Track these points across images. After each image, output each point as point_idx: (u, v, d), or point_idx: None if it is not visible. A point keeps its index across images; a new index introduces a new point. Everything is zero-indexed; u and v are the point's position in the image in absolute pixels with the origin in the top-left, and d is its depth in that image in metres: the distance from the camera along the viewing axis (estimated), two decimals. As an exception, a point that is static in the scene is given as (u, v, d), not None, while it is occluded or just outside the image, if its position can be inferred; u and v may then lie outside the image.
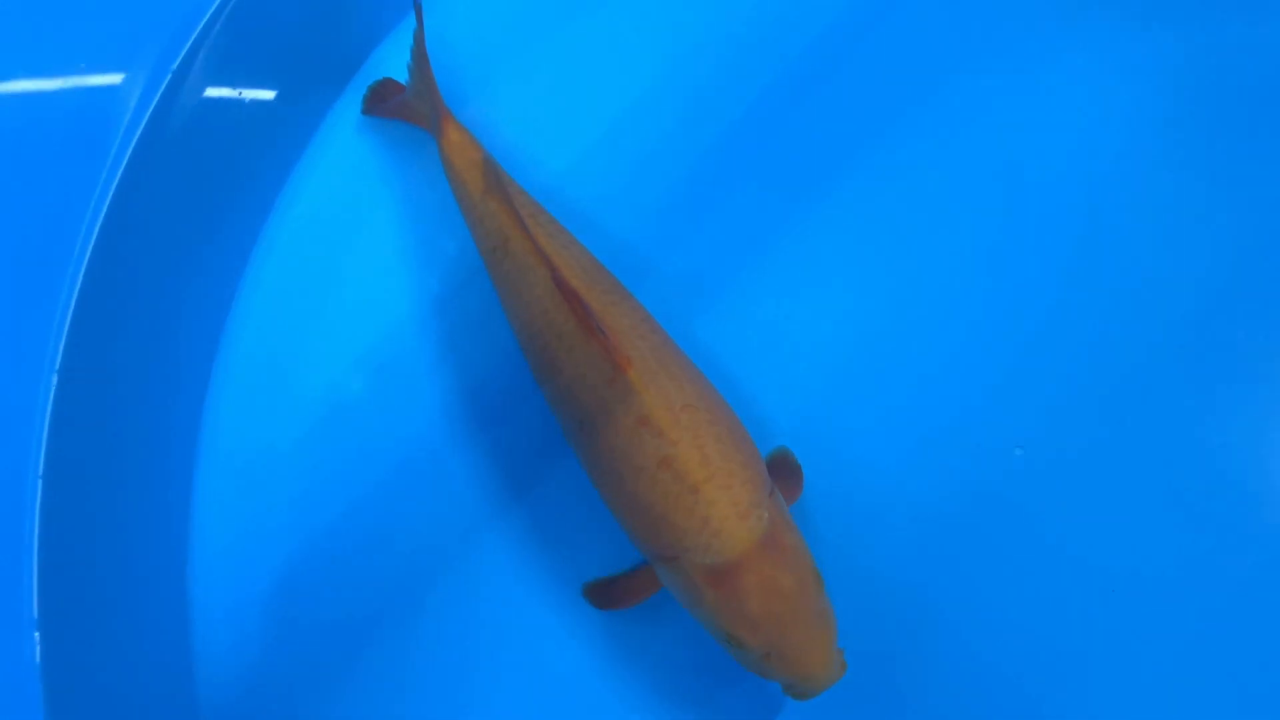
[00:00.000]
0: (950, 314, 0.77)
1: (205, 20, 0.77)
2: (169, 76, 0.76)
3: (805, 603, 0.60)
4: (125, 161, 0.74)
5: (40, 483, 0.68)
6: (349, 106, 0.86)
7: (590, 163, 0.83)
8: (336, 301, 0.82)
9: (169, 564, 0.76)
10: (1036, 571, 0.71)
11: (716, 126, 0.84)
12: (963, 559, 0.72)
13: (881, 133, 0.82)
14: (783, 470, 0.71)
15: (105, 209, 0.73)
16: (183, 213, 0.79)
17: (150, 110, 0.75)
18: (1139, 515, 0.72)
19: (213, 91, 0.80)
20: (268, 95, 0.83)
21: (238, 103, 0.82)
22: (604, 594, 0.70)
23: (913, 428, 0.75)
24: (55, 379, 0.69)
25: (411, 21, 0.84)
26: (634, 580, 0.69)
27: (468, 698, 0.72)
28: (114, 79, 0.76)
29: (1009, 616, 0.70)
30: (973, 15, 0.86)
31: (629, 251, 0.79)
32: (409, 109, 0.82)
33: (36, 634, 0.65)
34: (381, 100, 0.83)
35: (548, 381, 0.68)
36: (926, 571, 0.72)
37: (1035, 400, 0.75)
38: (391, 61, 0.86)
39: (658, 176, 0.83)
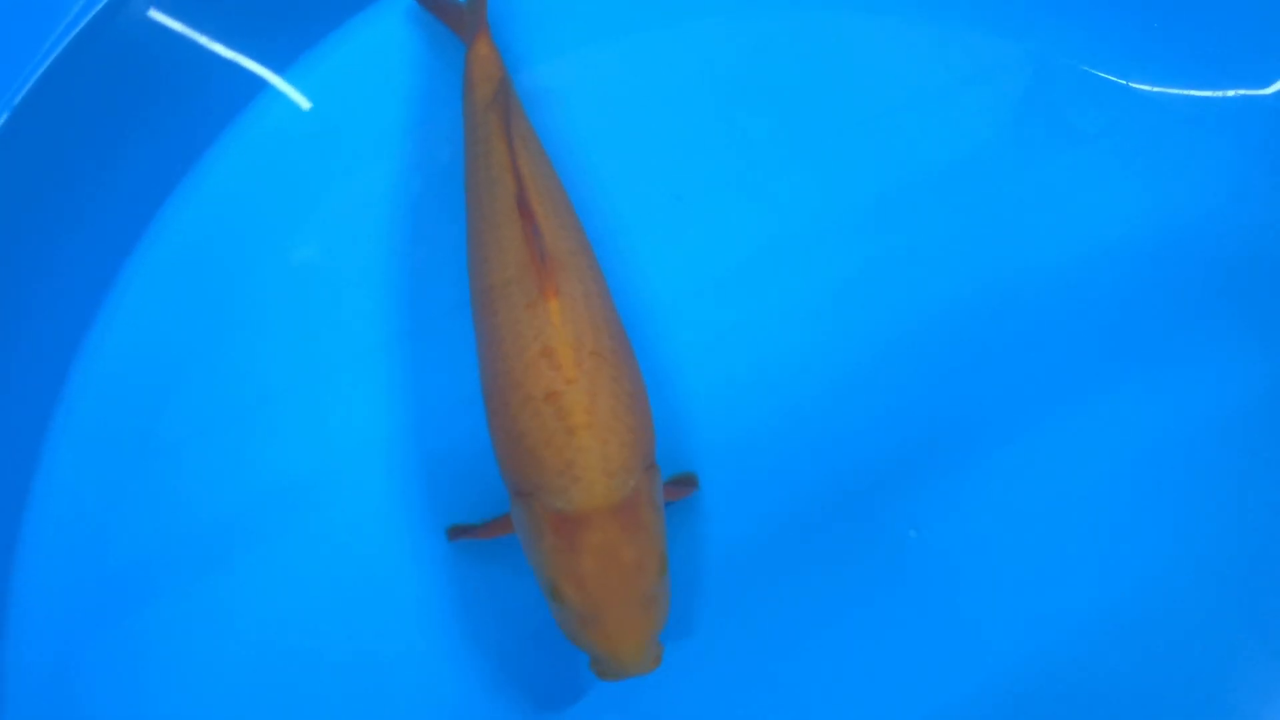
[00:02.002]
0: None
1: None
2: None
3: (640, 582, 0.58)
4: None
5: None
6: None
7: (597, 144, 0.84)
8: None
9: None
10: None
11: (735, 152, 0.84)
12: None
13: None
14: (681, 479, 0.70)
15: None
16: (96, 132, 0.79)
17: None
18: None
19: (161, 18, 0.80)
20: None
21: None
22: (462, 532, 0.70)
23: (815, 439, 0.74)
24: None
25: None
26: (492, 522, 0.68)
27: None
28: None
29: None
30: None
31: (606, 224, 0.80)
32: (454, 14, 0.84)
33: None
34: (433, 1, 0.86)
35: (475, 285, 0.68)
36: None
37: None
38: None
39: (651, 172, 0.83)
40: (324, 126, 0.85)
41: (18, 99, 0.72)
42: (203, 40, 0.83)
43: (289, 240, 0.82)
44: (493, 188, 0.69)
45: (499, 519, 0.68)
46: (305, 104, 0.86)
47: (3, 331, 0.75)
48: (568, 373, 0.61)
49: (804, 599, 0.70)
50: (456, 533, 0.70)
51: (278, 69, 0.86)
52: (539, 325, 0.62)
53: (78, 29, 0.74)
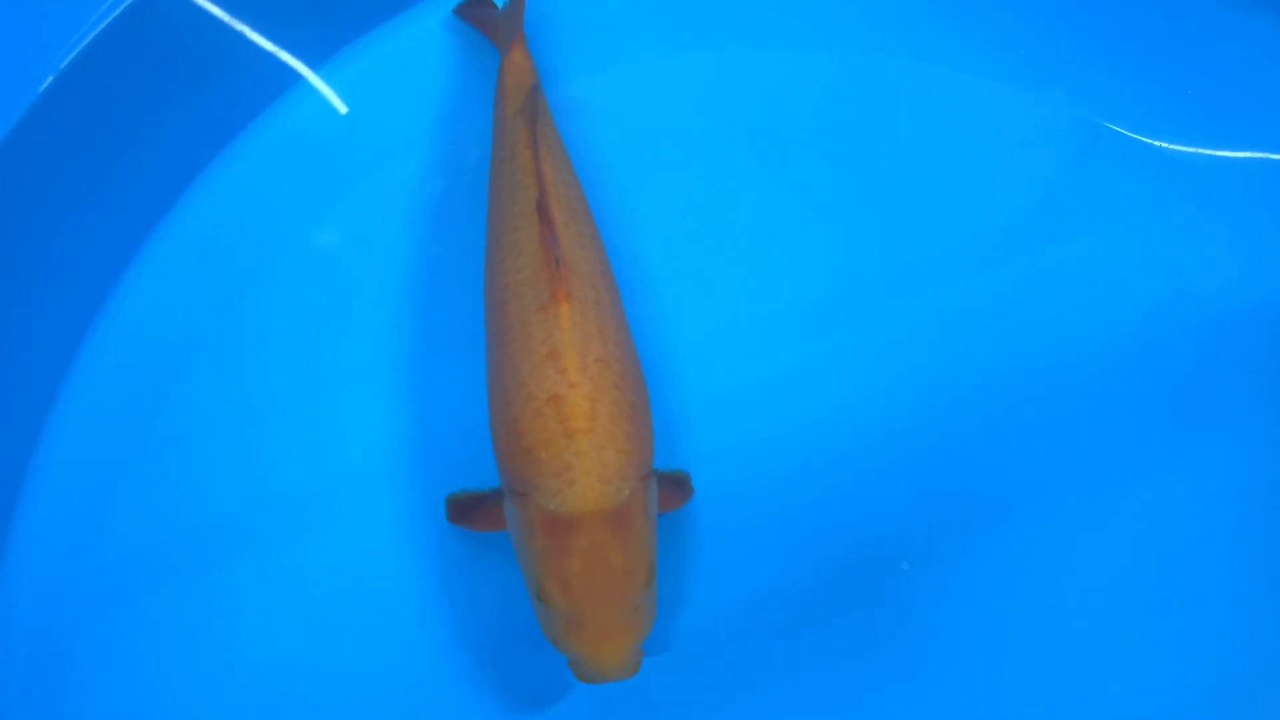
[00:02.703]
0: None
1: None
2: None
3: (627, 589, 0.58)
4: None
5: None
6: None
7: (621, 158, 0.84)
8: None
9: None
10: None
11: (763, 176, 0.84)
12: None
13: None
14: (674, 481, 0.70)
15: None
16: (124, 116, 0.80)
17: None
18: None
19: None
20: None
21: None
22: (462, 509, 0.69)
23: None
24: None
25: None
26: (494, 508, 0.67)
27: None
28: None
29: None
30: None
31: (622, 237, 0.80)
32: (491, 24, 0.85)
33: None
34: (473, 8, 0.87)
35: (490, 284, 0.69)
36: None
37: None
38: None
39: (672, 192, 0.83)
40: (354, 122, 0.86)
41: (63, 64, 0.73)
42: (242, 29, 0.84)
43: (310, 230, 0.83)
44: (515, 191, 0.70)
45: (495, 508, 0.67)
46: (337, 99, 0.87)
47: (15, 308, 0.75)
48: (572, 377, 0.61)
49: (790, 620, 0.70)
50: (455, 509, 0.70)
51: (313, 64, 0.87)
52: (548, 328, 0.63)
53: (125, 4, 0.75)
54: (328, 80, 0.87)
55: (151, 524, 0.74)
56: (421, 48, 0.88)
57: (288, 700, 0.69)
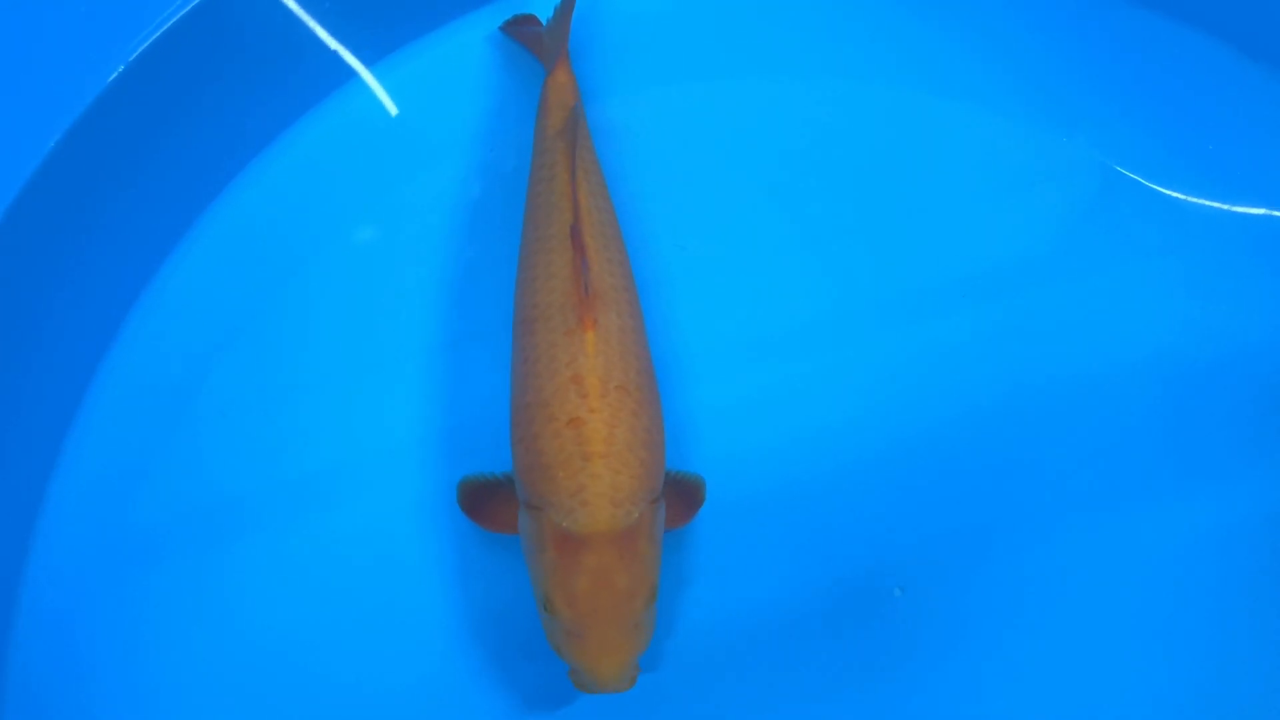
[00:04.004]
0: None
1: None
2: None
3: (629, 607, 0.62)
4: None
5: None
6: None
7: (658, 182, 0.86)
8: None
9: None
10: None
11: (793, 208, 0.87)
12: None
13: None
14: (685, 493, 0.72)
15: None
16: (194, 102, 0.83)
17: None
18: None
19: None
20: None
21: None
22: (475, 498, 0.71)
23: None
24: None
25: None
26: (505, 508, 0.70)
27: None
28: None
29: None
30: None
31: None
32: (537, 41, 0.87)
33: None
34: (518, 26, 0.90)
35: (520, 302, 0.72)
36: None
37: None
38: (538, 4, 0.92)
39: (703, 218, 0.85)
40: (401, 123, 0.89)
41: (133, 56, 0.76)
42: (310, 22, 0.87)
43: (352, 223, 0.86)
44: (550, 213, 0.73)
45: (507, 508, 0.70)
46: (387, 99, 0.90)
47: (69, 275, 0.79)
48: (592, 402, 0.64)
49: (786, 638, 0.73)
50: (467, 497, 0.71)
51: (368, 62, 0.90)
52: (573, 353, 0.66)
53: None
54: (381, 80, 0.90)
55: (180, 494, 0.77)
56: (471, 56, 0.90)
57: (298, 671, 0.73)
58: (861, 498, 0.76)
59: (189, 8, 0.78)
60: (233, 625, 0.74)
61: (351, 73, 0.90)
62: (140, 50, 0.77)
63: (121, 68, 0.76)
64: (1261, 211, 0.85)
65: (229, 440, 0.79)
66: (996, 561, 0.75)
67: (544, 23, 0.88)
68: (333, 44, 0.89)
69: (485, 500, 0.71)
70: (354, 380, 0.81)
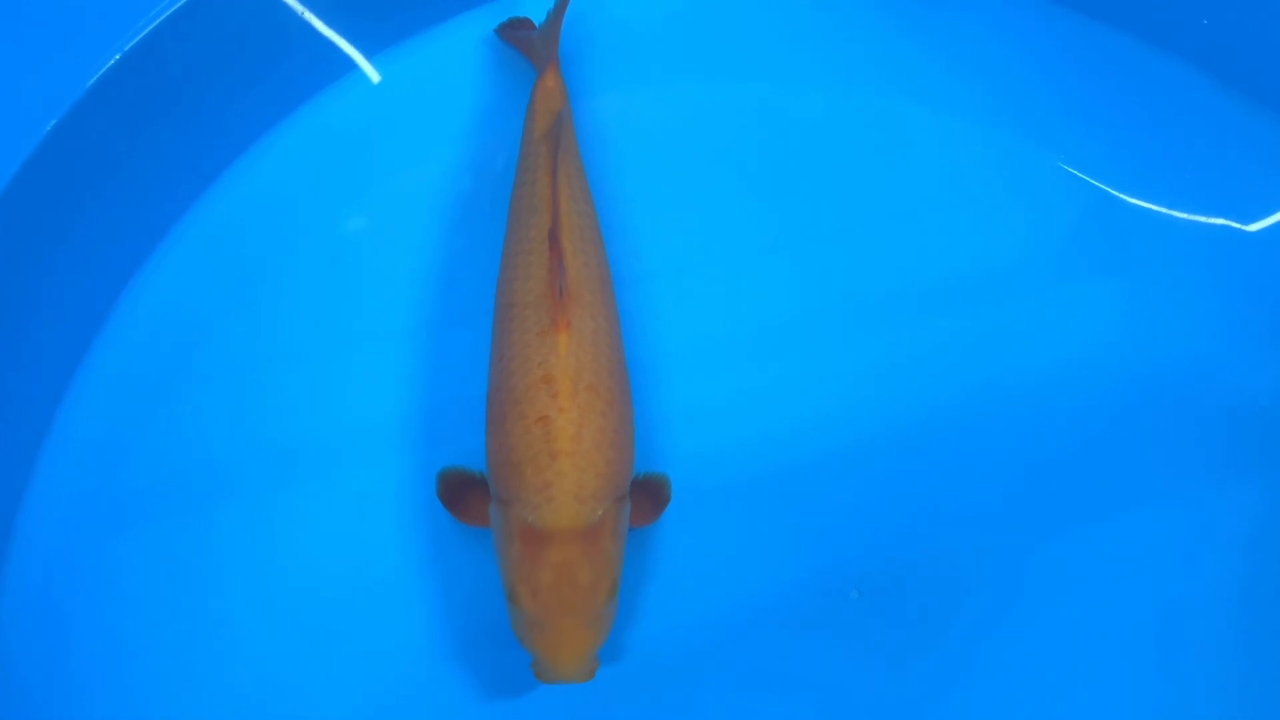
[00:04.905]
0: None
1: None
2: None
3: (590, 601, 0.64)
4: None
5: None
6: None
7: (640, 184, 0.88)
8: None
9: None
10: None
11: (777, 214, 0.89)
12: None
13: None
14: (651, 492, 0.73)
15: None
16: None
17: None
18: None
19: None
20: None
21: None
22: (452, 492, 0.73)
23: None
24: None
25: None
26: (481, 503, 0.71)
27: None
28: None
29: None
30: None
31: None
32: (529, 45, 0.89)
33: None
34: (513, 29, 0.92)
35: (499, 301, 0.74)
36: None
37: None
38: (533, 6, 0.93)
39: (685, 221, 0.87)
40: (395, 117, 0.91)
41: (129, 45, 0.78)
42: (306, 14, 0.89)
43: (340, 214, 0.88)
44: (531, 216, 0.75)
45: (482, 503, 0.72)
46: (382, 92, 0.92)
47: (67, 253, 0.81)
48: (562, 402, 0.67)
49: (745, 637, 0.75)
50: (445, 488, 0.73)
51: (366, 54, 0.92)
52: (545, 353, 0.68)
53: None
54: (376, 74, 0.92)
55: (167, 463, 0.80)
56: (466, 53, 0.93)
57: (271, 635, 0.75)
58: (829, 497, 0.79)
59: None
60: (210, 591, 0.76)
61: (348, 66, 0.92)
62: (143, 35, 0.79)
63: (116, 58, 0.78)
64: (1223, 222, 0.87)
65: (215, 413, 0.81)
66: (963, 562, 0.77)
67: (537, 26, 0.90)
68: (332, 36, 0.91)
69: (462, 493, 0.73)
70: (336, 361, 0.83)
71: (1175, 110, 0.91)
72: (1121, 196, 0.88)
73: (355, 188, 0.89)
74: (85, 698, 0.74)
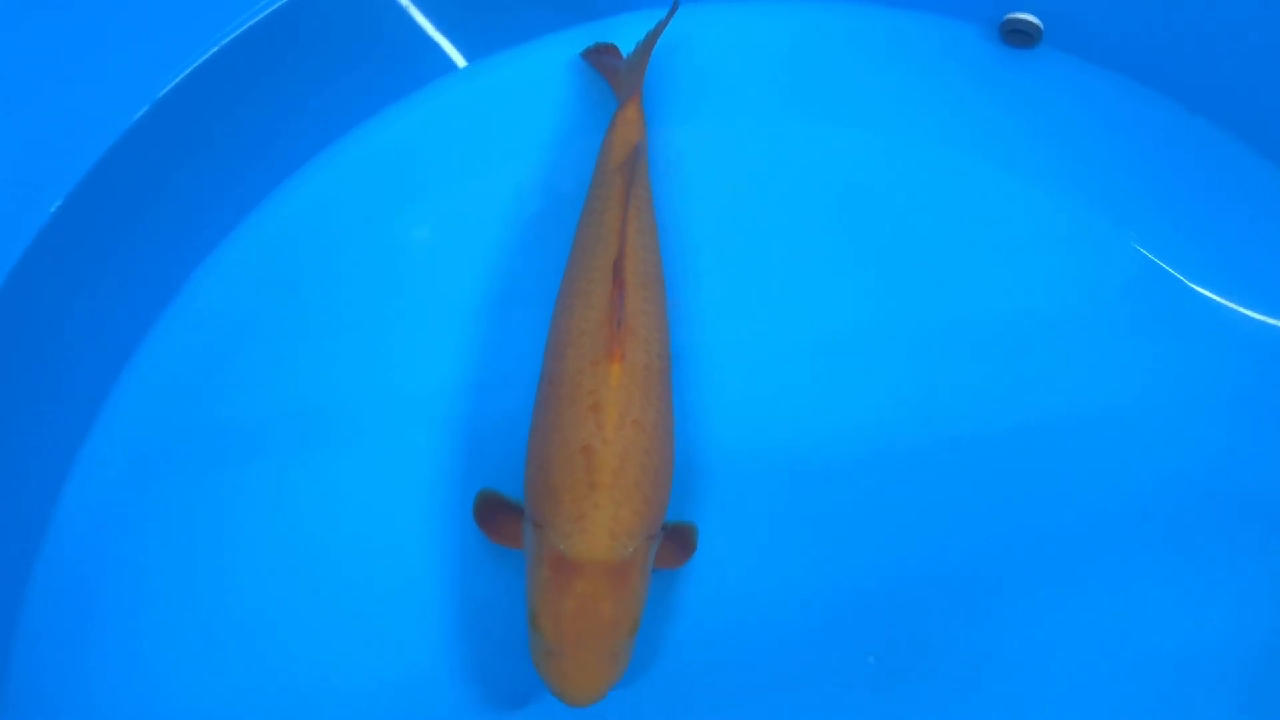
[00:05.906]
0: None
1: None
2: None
3: (610, 637, 0.64)
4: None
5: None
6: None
7: (707, 218, 0.89)
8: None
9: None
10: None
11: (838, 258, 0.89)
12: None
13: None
14: (680, 540, 0.74)
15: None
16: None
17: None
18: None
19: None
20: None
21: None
22: (488, 511, 0.73)
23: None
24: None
25: (650, 13, 0.92)
26: (512, 525, 0.72)
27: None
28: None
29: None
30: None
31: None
32: (614, 73, 0.90)
33: None
34: (599, 55, 0.93)
35: (555, 324, 0.74)
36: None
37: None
38: (623, 32, 0.94)
39: (746, 257, 0.88)
40: (472, 129, 0.93)
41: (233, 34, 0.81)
42: (417, 15, 0.92)
43: (405, 220, 0.90)
44: (598, 245, 0.75)
45: (515, 525, 0.72)
46: (462, 105, 0.94)
47: (155, 221, 0.83)
48: (607, 433, 0.67)
49: (765, 675, 0.74)
50: (483, 507, 0.73)
51: (451, 66, 0.94)
52: (597, 383, 0.68)
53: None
54: (464, 85, 0.94)
55: (221, 422, 0.82)
56: (548, 75, 0.94)
57: (285, 601, 0.76)
58: (855, 520, 0.78)
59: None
60: (240, 582, 0.77)
61: (432, 76, 0.94)
62: (238, 33, 0.81)
63: (212, 51, 0.80)
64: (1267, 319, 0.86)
65: (263, 406, 0.83)
66: (992, 600, 0.76)
67: (624, 55, 0.91)
68: (435, 37, 0.93)
69: (498, 512, 0.73)
70: (387, 362, 0.84)
71: (1253, 208, 0.90)
72: (1185, 280, 0.87)
73: (424, 197, 0.91)
74: (109, 675, 0.75)
